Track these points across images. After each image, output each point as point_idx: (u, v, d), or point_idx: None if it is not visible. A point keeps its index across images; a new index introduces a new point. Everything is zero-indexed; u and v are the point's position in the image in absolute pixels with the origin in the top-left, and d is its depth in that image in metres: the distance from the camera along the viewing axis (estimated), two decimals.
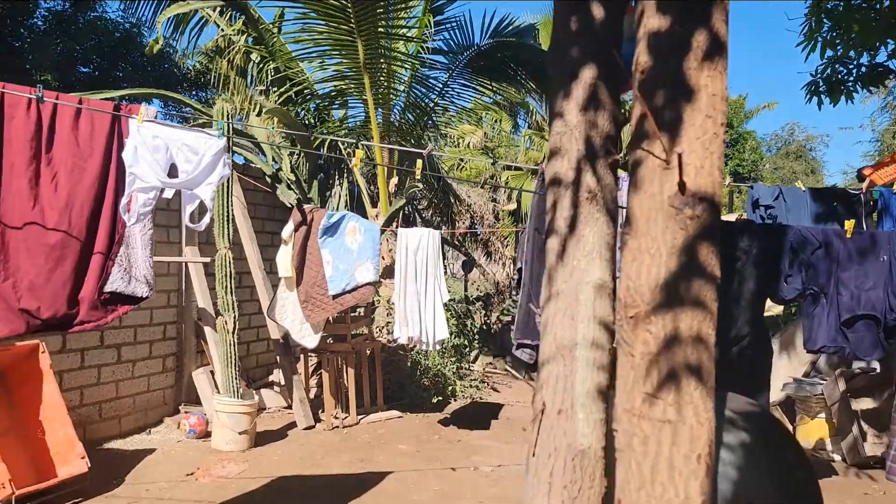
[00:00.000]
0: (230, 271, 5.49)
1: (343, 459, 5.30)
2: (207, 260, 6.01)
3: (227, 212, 5.64)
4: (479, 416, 6.86)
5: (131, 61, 10.57)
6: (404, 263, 5.75)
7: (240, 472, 4.89)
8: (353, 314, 6.64)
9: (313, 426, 6.16)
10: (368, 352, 6.82)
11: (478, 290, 13.03)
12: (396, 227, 6.96)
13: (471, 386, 7.76)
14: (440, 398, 7.03)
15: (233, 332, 5.49)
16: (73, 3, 10.03)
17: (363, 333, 6.90)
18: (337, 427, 6.17)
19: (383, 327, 7.54)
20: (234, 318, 5.51)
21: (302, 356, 6.74)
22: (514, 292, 13.20)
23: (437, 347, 5.66)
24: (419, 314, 5.63)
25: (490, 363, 9.48)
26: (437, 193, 10.50)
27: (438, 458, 5.42)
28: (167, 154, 2.83)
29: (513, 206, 16.54)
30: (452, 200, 12.13)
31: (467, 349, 8.59)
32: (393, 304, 7.28)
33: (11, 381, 4.51)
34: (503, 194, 16.50)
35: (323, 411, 6.34)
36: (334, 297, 5.78)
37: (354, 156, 4.62)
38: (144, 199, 2.81)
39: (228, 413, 5.37)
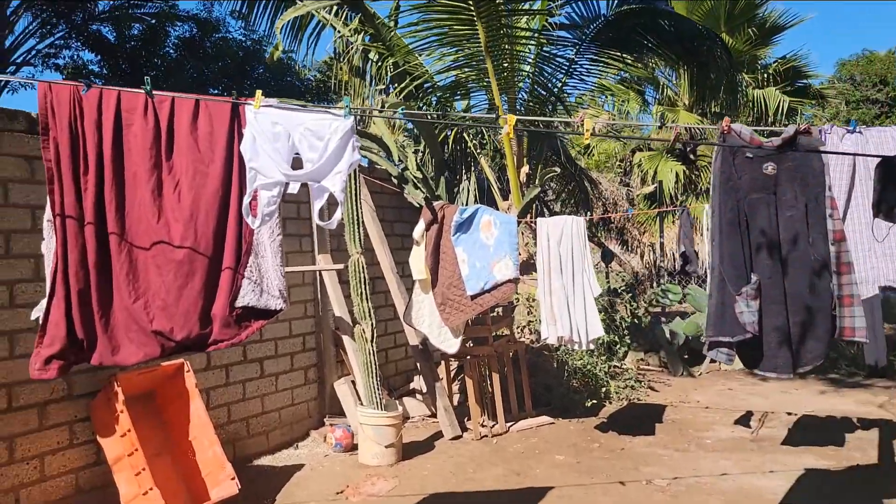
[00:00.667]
0: (364, 277, 5.23)
1: (496, 473, 4.87)
2: (340, 267, 5.79)
3: (357, 215, 5.39)
4: (641, 419, 6.21)
5: (255, 78, 10.82)
6: (547, 256, 5.23)
7: (390, 490, 4.58)
8: (492, 314, 6.21)
9: (460, 436, 5.78)
10: (511, 354, 6.36)
11: (620, 280, 12.24)
12: (532, 218, 6.45)
13: (626, 386, 7.10)
14: (594, 401, 6.44)
15: (371, 340, 5.22)
16: (200, 28, 10.39)
17: (505, 335, 6.45)
18: (486, 436, 5.76)
19: (524, 326, 7.06)
20: (372, 325, 5.24)
21: (442, 362, 6.40)
22: (672, 278, 12.29)
23: (592, 347, 5.10)
24: (568, 311, 5.09)
25: (642, 359, 8.73)
26: (571, 181, 9.85)
27: (602, 469, 4.86)
28: (289, 142, 2.51)
29: (650, 188, 15.52)
30: (588, 186, 11.35)
31: (617, 345, 7.92)
32: (536, 301, 6.78)
33: (160, 401, 4.47)
34: (636, 178, 15.51)
35: (469, 419, 5.95)
36: (472, 297, 5.37)
37: (501, 128, 4.17)
38: (268, 198, 2.50)
39: (373, 426, 5.11)
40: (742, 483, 4.47)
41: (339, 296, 6.01)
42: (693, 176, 14.62)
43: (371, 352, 5.22)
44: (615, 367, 7.51)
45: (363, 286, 5.21)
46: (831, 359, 7.90)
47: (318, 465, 5.17)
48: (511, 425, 6.01)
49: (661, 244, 14.89)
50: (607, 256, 9.97)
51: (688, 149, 15.00)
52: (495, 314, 6.57)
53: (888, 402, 6.30)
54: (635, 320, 8.35)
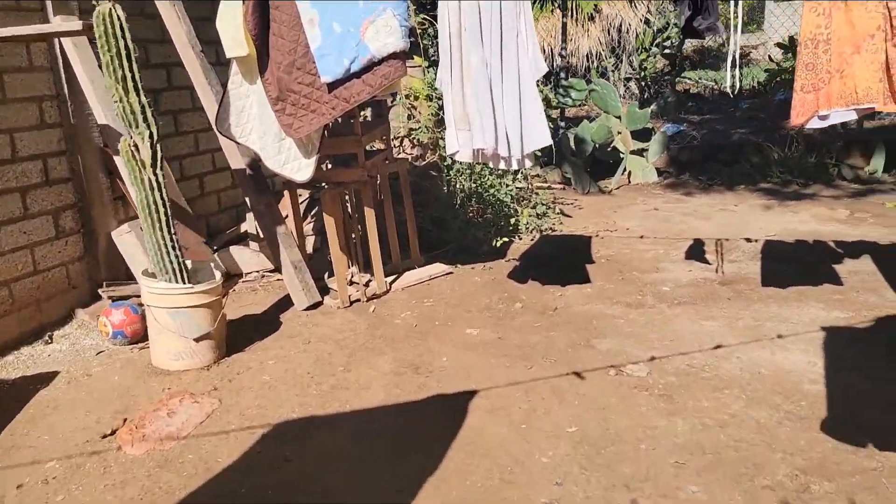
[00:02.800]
0: (125, 44, 2.82)
1: (382, 368, 3.07)
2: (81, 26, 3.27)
3: None
4: (565, 259, 4.60)
5: None
6: (457, 17, 3.08)
7: (200, 423, 2.65)
8: (362, 115, 4.07)
9: (320, 302, 3.87)
10: (388, 177, 4.36)
11: None
12: None
13: (534, 214, 5.41)
14: (502, 239, 4.71)
15: (152, 164, 2.95)
16: None
17: (379, 150, 4.39)
18: (358, 301, 3.90)
19: (405, 137, 5.01)
20: (151, 135, 2.93)
21: (286, 192, 4.26)
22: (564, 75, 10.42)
23: (528, 164, 3.21)
24: (492, 106, 3.08)
25: (538, 176, 7.09)
26: None
27: (537, 348, 3.20)
28: None
29: None
30: None
31: None
32: (420, 96, 4.69)
33: None
34: None
35: (331, 276, 4.03)
36: (331, 86, 3.19)
37: None
38: None
39: (170, 310, 3.03)
40: (751, 360, 2.99)
41: (102, 91, 3.57)
42: None
43: (154, 183, 2.97)
44: (519, 188, 5.78)
45: (123, 60, 2.82)
46: (758, 165, 6.68)
47: (80, 374, 3.09)
48: (394, 280, 4.17)
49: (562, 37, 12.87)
50: None
51: None
52: (364, 117, 4.44)
53: (851, 216, 5.13)
54: None
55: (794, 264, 4.20)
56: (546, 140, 3.10)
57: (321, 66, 3.14)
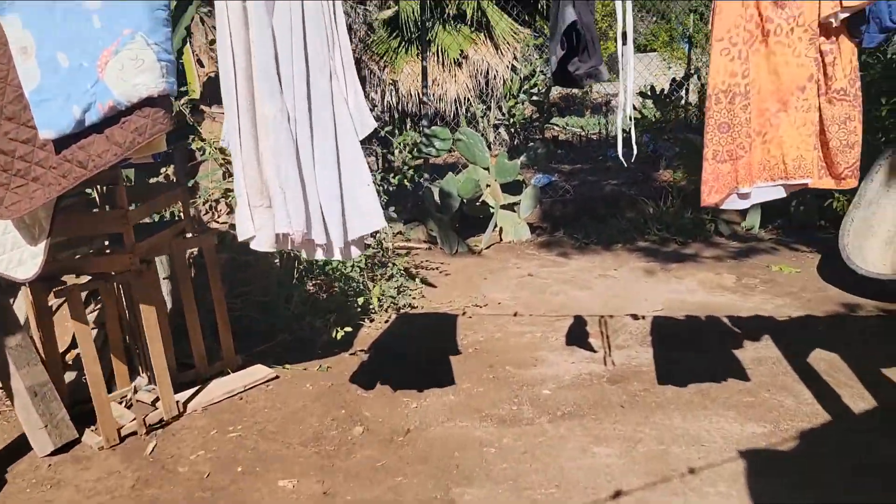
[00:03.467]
0: None
1: None
2: None
3: None
4: (425, 349, 3.72)
5: None
6: (244, 49, 2.15)
7: None
8: (163, 172, 3.00)
9: (77, 440, 2.74)
10: (189, 256, 3.32)
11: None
12: None
13: (390, 288, 4.52)
14: (346, 328, 3.75)
15: None
16: None
17: (177, 219, 3.34)
18: (133, 433, 2.79)
19: (223, 200, 3.98)
20: None
21: (26, 289, 3.08)
22: (421, 122, 9.83)
23: (356, 254, 2.29)
24: (299, 176, 2.15)
25: (400, 233, 6.25)
26: None
27: None
28: None
29: (389, 12, 12.54)
30: None
31: None
32: (226, 150, 3.71)
33: None
34: None
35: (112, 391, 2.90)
36: (59, 144, 2.16)
37: None
38: None
39: None
40: None
41: None
42: None
43: None
44: (375, 258, 4.88)
45: None
46: (634, 221, 6.20)
47: None
48: (194, 395, 3.10)
49: (395, 84, 12.24)
50: None
51: None
52: (165, 175, 3.38)
53: (739, 282, 4.64)
54: (404, 181, 5.72)
55: (690, 351, 3.56)
56: (378, 221, 2.22)
57: (40, 117, 2.10)
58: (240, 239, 2.26)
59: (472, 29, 11.94)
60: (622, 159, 2.52)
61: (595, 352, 3.62)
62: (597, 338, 3.80)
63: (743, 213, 6.35)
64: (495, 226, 6.22)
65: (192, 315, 3.26)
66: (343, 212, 2.18)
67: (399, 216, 6.36)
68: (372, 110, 11.75)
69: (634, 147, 2.30)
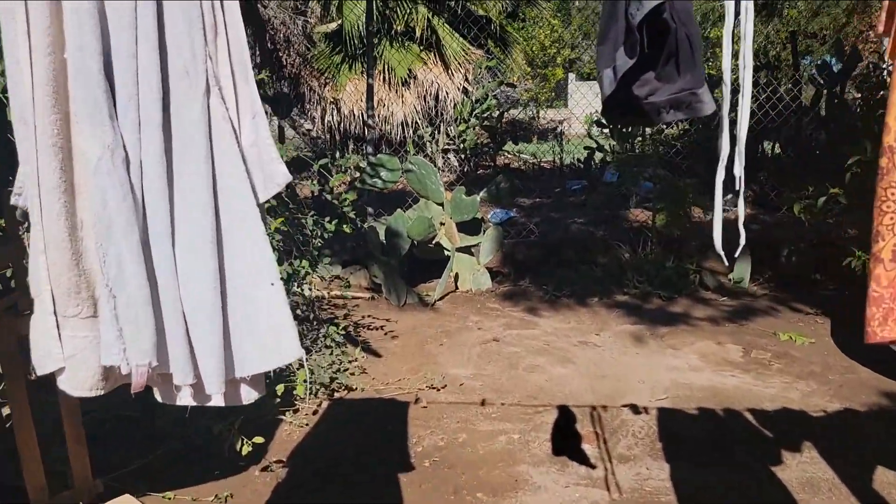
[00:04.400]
0: None
1: None
2: None
3: None
4: (363, 460, 2.75)
5: None
6: (52, 42, 1.19)
7: None
8: None
9: None
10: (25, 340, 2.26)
11: (297, 151, 8.45)
12: None
13: (323, 362, 3.53)
14: (255, 438, 2.74)
15: None
16: None
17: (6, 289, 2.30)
18: None
19: None
20: None
21: None
22: (364, 146, 8.91)
23: (250, 397, 1.37)
24: (143, 263, 1.19)
25: (338, 277, 5.29)
26: None
27: None
28: None
29: (333, 25, 11.60)
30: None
31: (299, 266, 4.21)
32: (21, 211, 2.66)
33: None
34: (317, 6, 11.38)
35: None
36: None
37: None
38: None
39: None
40: None
41: None
42: (388, 12, 11.12)
43: None
44: (301, 313, 3.88)
45: None
46: (609, 269, 5.40)
47: None
48: None
49: (337, 103, 11.31)
50: (282, 104, 5.96)
51: None
52: None
53: (748, 356, 3.86)
54: (343, 225, 4.77)
55: (716, 465, 2.71)
56: (289, 352, 1.27)
57: None
58: (38, 372, 1.27)
59: (422, 47, 11.12)
60: (722, 255, 1.62)
61: (593, 467, 2.73)
62: (591, 442, 2.92)
63: (730, 264, 5.64)
64: (451, 272, 5.32)
65: (25, 424, 2.21)
66: (227, 332, 1.22)
67: (337, 258, 5.39)
68: (309, 132, 10.76)
69: (742, 235, 1.44)
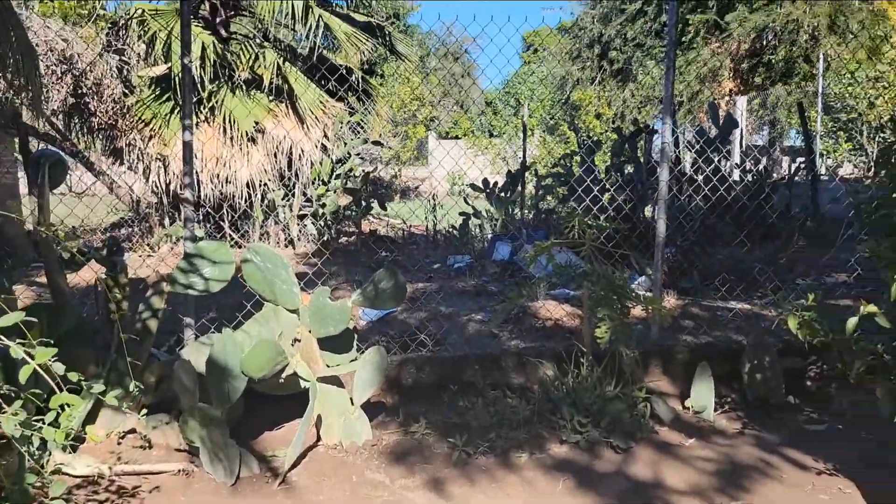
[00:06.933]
0: None
1: None
2: None
3: None
4: None
5: None
6: None
7: None
8: None
9: None
10: None
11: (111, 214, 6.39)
12: None
13: None
14: None
15: None
16: None
17: None
18: None
19: None
20: None
21: None
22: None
23: None
24: None
25: (133, 432, 3.40)
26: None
27: None
28: None
29: (161, 68, 9.59)
30: (12, 36, 4.94)
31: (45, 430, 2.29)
32: None
33: None
34: (136, 44, 9.31)
35: None
36: None
37: None
38: None
39: None
40: None
41: None
42: (230, 56, 9.35)
43: None
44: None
45: None
46: (534, 400, 3.93)
47: None
48: None
49: (164, 159, 9.31)
50: (43, 167, 3.94)
51: (217, 17, 9.62)
52: None
53: None
54: (132, 336, 2.93)
55: None
56: None
57: None
58: None
59: (272, 98, 9.42)
60: None
61: None
62: None
63: (674, 378, 4.39)
64: (311, 417, 3.58)
65: None
66: None
67: (133, 401, 3.49)
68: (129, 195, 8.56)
69: None
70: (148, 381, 3.62)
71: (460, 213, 9.96)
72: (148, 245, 9.29)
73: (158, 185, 9.17)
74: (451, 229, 10.31)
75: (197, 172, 8.85)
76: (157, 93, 9.28)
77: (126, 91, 9.03)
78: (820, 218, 8.43)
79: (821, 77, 12.81)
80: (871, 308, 2.69)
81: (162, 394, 3.73)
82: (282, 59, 9.46)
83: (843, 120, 12.47)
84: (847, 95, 12.48)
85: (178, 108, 8.91)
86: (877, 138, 11.89)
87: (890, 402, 2.85)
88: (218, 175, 8.97)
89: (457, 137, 27.81)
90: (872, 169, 11.67)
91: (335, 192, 10.06)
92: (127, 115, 8.96)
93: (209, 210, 8.77)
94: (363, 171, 10.82)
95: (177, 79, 8.64)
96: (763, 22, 17.50)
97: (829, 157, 13.24)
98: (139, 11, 8.67)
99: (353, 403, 3.72)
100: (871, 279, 5.30)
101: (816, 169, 9.43)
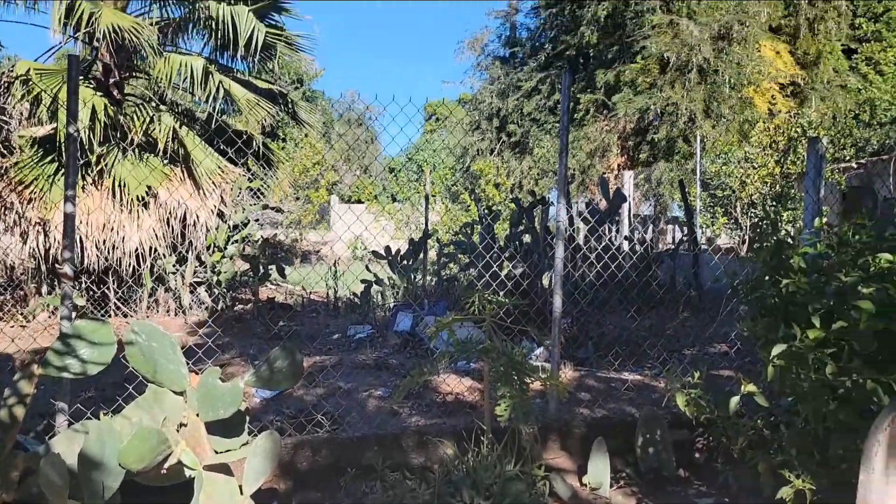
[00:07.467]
0: None
1: None
2: None
3: None
4: None
5: None
6: None
7: None
8: None
9: None
10: None
11: None
12: None
13: None
14: None
15: None
16: None
17: None
18: None
19: None
20: None
21: None
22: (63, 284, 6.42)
23: None
24: None
25: None
26: None
27: None
28: None
29: (45, 129, 9.09)
30: None
31: None
32: None
33: None
34: (18, 103, 8.82)
35: None
36: None
37: None
38: None
39: None
40: None
41: None
42: (123, 118, 9.04)
43: None
44: None
45: None
46: (434, 483, 3.84)
47: None
48: None
49: (44, 224, 8.75)
50: None
51: (111, 77, 9.33)
52: None
53: None
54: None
55: None
56: None
57: None
58: None
59: (166, 162, 9.12)
60: None
61: None
62: None
63: (572, 455, 4.44)
64: None
65: None
66: None
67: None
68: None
69: None
70: (10, 476, 3.26)
71: (362, 281, 9.88)
72: (21, 315, 8.59)
73: (37, 250, 8.56)
74: (352, 296, 10.20)
75: (81, 239, 8.36)
76: (39, 154, 8.77)
77: (4, 152, 8.48)
78: (701, 290, 8.96)
79: (698, 156, 13.93)
80: (751, 387, 2.84)
81: (26, 489, 3.37)
82: (179, 123, 9.23)
83: (719, 196, 13.51)
84: (721, 174, 13.56)
85: (62, 172, 8.47)
86: (749, 213, 12.94)
87: (771, 479, 2.99)
88: (104, 241, 8.49)
89: (359, 201, 27.87)
90: (746, 243, 12.65)
91: (231, 258, 9.74)
92: (4, 177, 8.40)
93: (91, 281, 8.26)
94: (262, 236, 10.59)
95: (62, 143, 8.22)
96: (646, 104, 18.98)
97: (708, 229, 14.24)
98: (25, 69, 8.25)
99: (242, 493, 3.50)
100: (749, 352, 5.64)
101: (699, 245, 10.07)
